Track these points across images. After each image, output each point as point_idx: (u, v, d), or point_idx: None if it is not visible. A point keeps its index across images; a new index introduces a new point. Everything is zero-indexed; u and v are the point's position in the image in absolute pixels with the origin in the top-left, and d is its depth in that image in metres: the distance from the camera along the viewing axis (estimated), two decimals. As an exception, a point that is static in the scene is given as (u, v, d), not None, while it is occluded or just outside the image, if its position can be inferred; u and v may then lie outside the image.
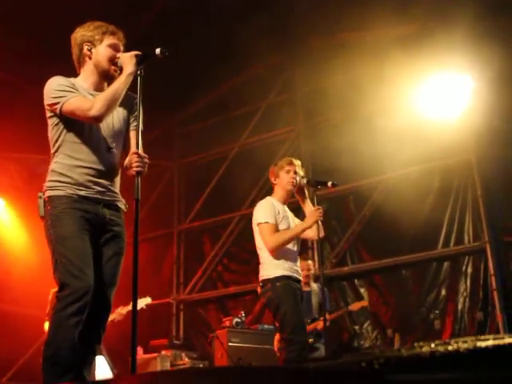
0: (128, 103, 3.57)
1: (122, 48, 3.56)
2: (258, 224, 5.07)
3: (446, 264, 8.58)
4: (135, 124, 3.53)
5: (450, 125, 8.50)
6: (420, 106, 8.70)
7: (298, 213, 5.66)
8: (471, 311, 8.20)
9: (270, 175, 5.45)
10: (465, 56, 8.18)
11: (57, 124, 3.44)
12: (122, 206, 3.58)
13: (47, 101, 3.43)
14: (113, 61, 3.50)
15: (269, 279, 4.94)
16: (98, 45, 3.51)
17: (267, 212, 5.08)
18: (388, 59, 8.76)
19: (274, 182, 5.35)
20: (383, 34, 9.01)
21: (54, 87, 3.40)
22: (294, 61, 10.43)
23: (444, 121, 8.53)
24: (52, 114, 3.44)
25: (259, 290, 5.05)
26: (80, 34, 3.56)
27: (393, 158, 8.95)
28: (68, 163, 3.40)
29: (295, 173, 5.27)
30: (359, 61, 9.19)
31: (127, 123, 3.63)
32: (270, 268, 4.97)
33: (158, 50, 3.32)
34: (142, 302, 6.96)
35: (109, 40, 3.52)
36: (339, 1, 8.07)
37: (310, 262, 7.57)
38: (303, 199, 5.35)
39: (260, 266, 5.11)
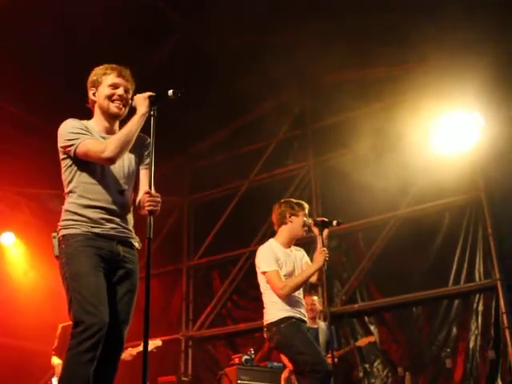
0: (140, 144, 3.61)
1: (128, 85, 3.61)
2: (264, 273, 4.96)
3: (456, 301, 8.52)
4: (147, 163, 3.60)
5: (460, 162, 8.53)
6: (430, 144, 8.74)
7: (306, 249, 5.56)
8: (483, 350, 8.10)
9: (276, 216, 5.19)
10: (475, 94, 8.24)
11: (70, 166, 3.49)
12: (136, 244, 3.59)
13: (61, 143, 3.48)
14: (110, 98, 3.55)
15: (273, 323, 4.85)
16: (99, 87, 3.59)
17: (269, 260, 4.96)
18: (398, 96, 8.85)
19: (282, 224, 5.15)
20: (394, 71, 9.11)
21: (68, 130, 3.46)
22: (305, 97, 10.52)
23: (453, 158, 8.56)
24: (65, 155, 3.49)
25: (265, 335, 4.96)
26: (88, 80, 3.66)
27: (403, 195, 8.98)
28: (81, 203, 3.43)
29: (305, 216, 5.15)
30: (369, 98, 9.27)
31: (138, 164, 3.67)
32: (273, 312, 4.89)
33: (170, 92, 3.36)
34: (152, 345, 6.91)
35: (108, 80, 3.58)
36: (349, 39, 8.16)
37: (315, 297, 7.48)
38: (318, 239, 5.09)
39: (264, 311, 5.01)
